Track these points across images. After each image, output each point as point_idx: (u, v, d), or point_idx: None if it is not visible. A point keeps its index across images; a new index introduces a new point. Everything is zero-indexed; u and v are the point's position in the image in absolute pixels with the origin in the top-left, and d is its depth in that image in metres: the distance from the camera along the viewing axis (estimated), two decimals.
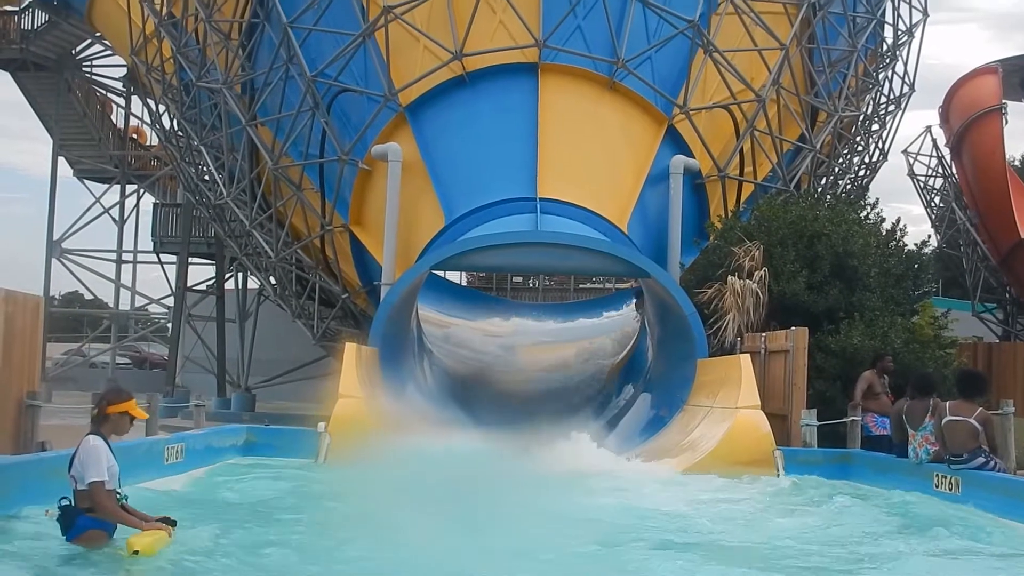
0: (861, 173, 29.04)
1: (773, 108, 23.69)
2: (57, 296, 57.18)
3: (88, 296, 52.69)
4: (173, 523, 8.57)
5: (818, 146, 24.84)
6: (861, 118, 27.44)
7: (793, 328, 17.92)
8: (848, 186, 28.30)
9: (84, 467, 8.19)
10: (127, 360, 49.77)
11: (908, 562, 9.54)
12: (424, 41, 22.38)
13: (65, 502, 8.30)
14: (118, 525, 8.33)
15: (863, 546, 10.29)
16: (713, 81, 23.04)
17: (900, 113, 28.63)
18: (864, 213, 22.02)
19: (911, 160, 33.23)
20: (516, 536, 9.84)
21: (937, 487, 13.10)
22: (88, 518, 8.22)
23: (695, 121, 22.71)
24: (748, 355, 17.60)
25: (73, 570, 7.82)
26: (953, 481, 12.87)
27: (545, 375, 25.33)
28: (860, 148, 28.56)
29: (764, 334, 18.91)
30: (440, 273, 28.70)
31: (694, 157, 22.81)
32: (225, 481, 13.46)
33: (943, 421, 12.99)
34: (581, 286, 41.18)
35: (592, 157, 21.92)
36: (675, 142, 22.85)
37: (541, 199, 20.99)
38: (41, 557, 8.10)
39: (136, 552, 8.01)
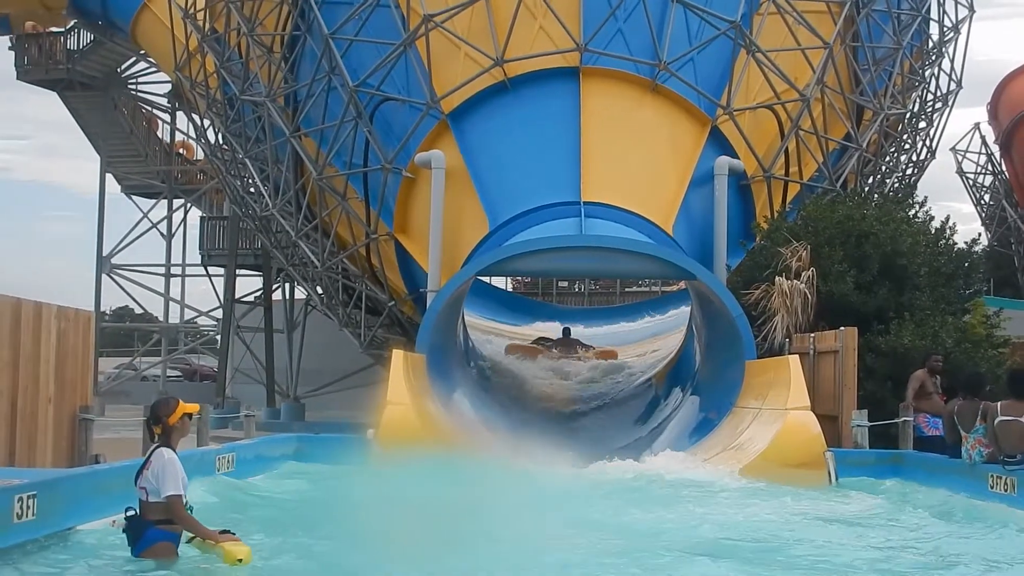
0: (909, 171, 28.75)
1: (818, 107, 23.51)
2: (108, 311, 57.62)
3: (138, 310, 53.26)
4: (233, 535, 8.62)
5: (864, 145, 24.62)
6: (908, 116, 27.18)
7: (842, 328, 17.77)
8: (896, 184, 28.02)
9: (161, 480, 8.24)
10: (178, 373, 50.14)
11: (969, 567, 9.42)
12: (465, 48, 22.41)
13: (132, 512, 8.33)
14: (182, 538, 8.36)
15: (920, 549, 10.16)
16: (756, 81, 22.90)
17: (947, 110, 28.32)
18: (912, 212, 21.80)
19: (959, 157, 32.97)
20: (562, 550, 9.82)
21: (992, 488, 12.91)
22: (158, 530, 8.25)
23: (739, 122, 22.58)
24: (797, 356, 17.46)
25: None
26: (1009, 482, 12.67)
27: (591, 380, 25.29)
28: (907, 146, 28.26)
29: (813, 335, 18.76)
30: (485, 279, 28.74)
31: (738, 158, 22.67)
32: (277, 488, 13.55)
33: (995, 421, 12.82)
34: (627, 290, 41.03)
35: (635, 160, 21.85)
36: (719, 143, 22.72)
37: (585, 203, 20.95)
38: (102, 570, 8.15)
39: (240, 560, 8.12)
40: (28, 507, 8.89)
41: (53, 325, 14.48)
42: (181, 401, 8.70)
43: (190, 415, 8.67)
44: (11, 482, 9.26)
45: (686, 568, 9.22)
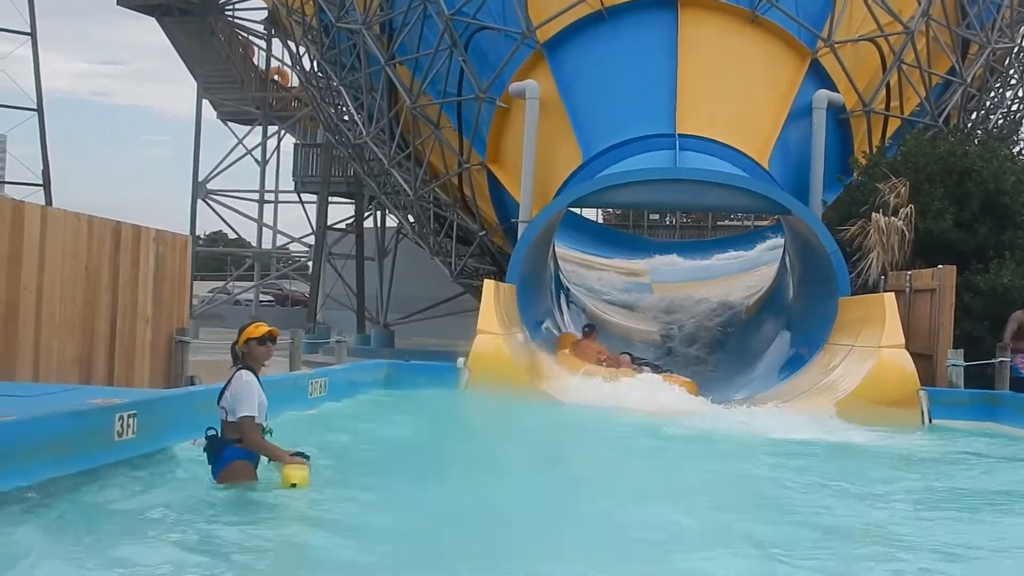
0: (1014, 108, 28.00)
1: (922, 40, 22.91)
2: (202, 236, 58.61)
3: (231, 235, 53.97)
4: (307, 457, 8.73)
5: (969, 80, 23.98)
6: (1015, 50, 26.39)
7: (940, 267, 17.44)
8: (1000, 121, 27.32)
9: (236, 400, 8.39)
10: (270, 297, 50.93)
11: None
12: None
13: (212, 432, 8.52)
14: (261, 458, 8.52)
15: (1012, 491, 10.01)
16: (859, 13, 22.35)
17: None
18: (1017, 149, 21.25)
19: None
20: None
21: None
22: (235, 448, 8.42)
23: (840, 55, 22.11)
24: (892, 294, 17.19)
25: (224, 507, 8.00)
26: None
27: (682, 314, 25.18)
28: (1013, 81, 27.49)
29: (909, 272, 18.44)
30: (577, 210, 28.62)
31: (838, 92, 22.22)
32: (367, 414, 13.71)
33: None
34: (719, 223, 40.67)
35: (732, 92, 21.52)
36: (819, 76, 22.28)
37: (680, 135, 20.73)
38: (190, 489, 8.33)
39: (294, 485, 8.21)
40: (128, 426, 9.10)
41: (151, 248, 14.75)
42: (258, 323, 8.73)
43: (258, 339, 8.64)
44: (112, 401, 9.47)
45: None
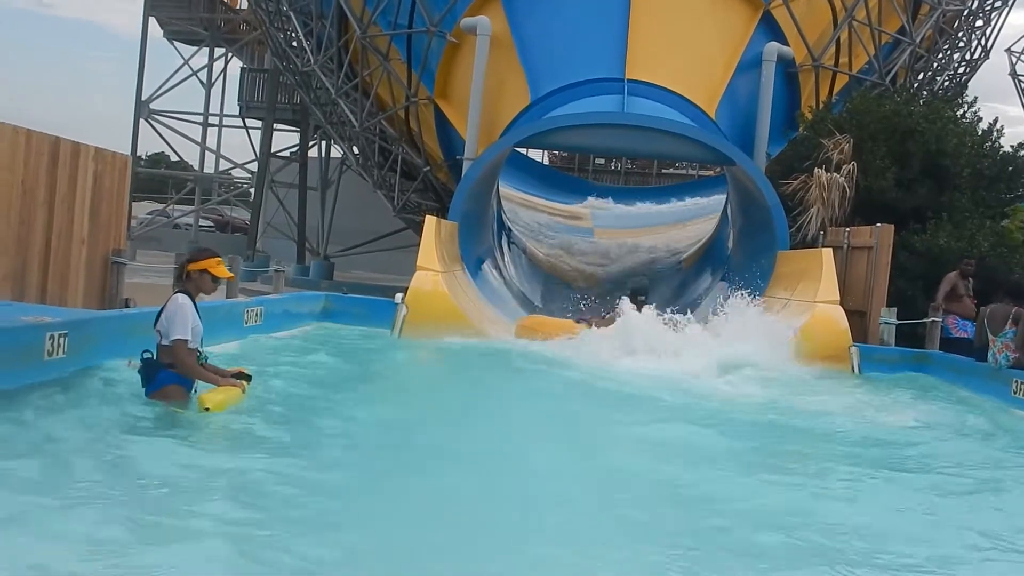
0: (961, 70, 28.24)
1: None
2: (143, 156, 57.74)
3: (174, 158, 53.23)
4: (248, 377, 8.79)
5: (918, 40, 24.13)
6: (965, 13, 26.57)
7: (879, 225, 17.62)
8: (946, 83, 27.55)
9: (170, 324, 8.37)
10: (210, 223, 50.38)
11: (983, 461, 9.48)
12: None
13: (148, 355, 8.48)
14: (196, 382, 8.51)
15: (933, 446, 10.18)
16: None
17: (1006, 9, 27.69)
18: (961, 112, 21.42)
19: (1014, 59, 32.22)
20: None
21: (1015, 393, 12.91)
22: (169, 372, 8.42)
23: (792, 8, 22.13)
24: (830, 250, 17.37)
25: (147, 422, 8.04)
26: None
27: (621, 259, 25.29)
28: (961, 44, 27.70)
29: (848, 229, 18.63)
30: (523, 151, 28.56)
31: (788, 45, 22.28)
32: (301, 346, 13.67)
33: None
34: (664, 171, 40.77)
35: (683, 40, 21.50)
36: (770, 28, 22.32)
37: (629, 80, 20.71)
38: (119, 408, 8.31)
39: (207, 409, 8.24)
40: (59, 345, 9.01)
41: (90, 167, 14.49)
42: (218, 260, 8.70)
43: (215, 277, 8.67)
44: (43, 319, 9.36)
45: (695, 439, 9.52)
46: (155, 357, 8.47)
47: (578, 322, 16.31)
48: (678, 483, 7.79)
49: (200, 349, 8.56)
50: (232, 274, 8.91)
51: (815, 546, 6.36)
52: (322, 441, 8.26)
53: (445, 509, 6.59)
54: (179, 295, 8.50)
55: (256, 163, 38.64)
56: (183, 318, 8.36)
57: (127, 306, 14.47)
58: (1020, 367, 13.10)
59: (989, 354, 13.64)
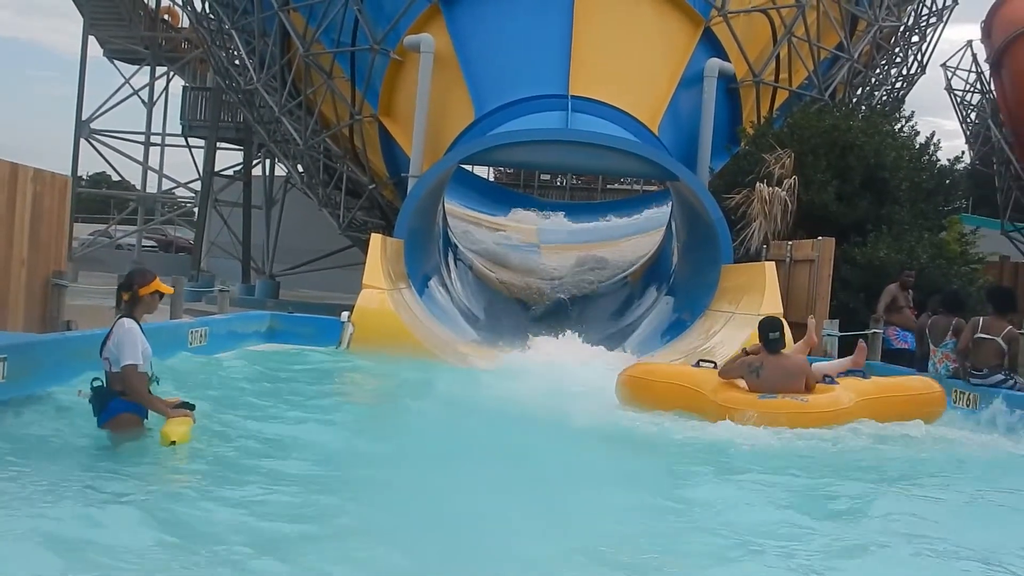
0: (898, 85, 28.64)
1: (812, 15, 23.30)
2: (85, 176, 57.23)
3: (115, 178, 52.70)
4: (191, 407, 8.59)
5: (856, 56, 24.46)
6: (901, 29, 26.97)
7: (820, 238, 17.82)
8: (884, 98, 27.93)
9: (119, 350, 8.18)
10: (153, 243, 49.96)
11: (920, 470, 9.60)
12: None
13: (98, 383, 8.30)
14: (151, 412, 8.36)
15: (869, 452, 10.28)
16: None
17: (941, 26, 28.13)
18: (898, 126, 21.75)
19: (949, 74, 32.64)
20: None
21: (955, 403, 13.08)
22: (121, 401, 8.22)
23: (732, 24, 22.37)
24: (773, 263, 17.56)
25: (106, 460, 7.81)
26: (971, 398, 12.87)
27: (567, 275, 25.35)
28: (898, 60, 28.11)
29: (790, 243, 18.82)
30: (468, 167, 28.58)
31: (729, 61, 22.51)
32: (247, 366, 13.58)
33: (975, 336, 12.95)
34: (609, 187, 40.94)
35: (626, 57, 21.65)
36: (711, 45, 22.54)
37: (572, 97, 20.83)
38: (62, 437, 8.16)
39: (173, 442, 8.00)
40: None
41: (29, 187, 14.33)
42: (159, 279, 8.60)
43: (162, 295, 8.59)
44: None
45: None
46: (105, 385, 8.32)
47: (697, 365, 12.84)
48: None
49: (150, 372, 8.42)
50: (172, 289, 8.81)
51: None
52: (263, 464, 8.11)
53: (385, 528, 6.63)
54: (125, 320, 8.32)
55: (199, 182, 38.36)
56: (132, 343, 8.19)
57: (69, 329, 14.30)
58: (959, 377, 13.29)
59: (930, 364, 13.83)
